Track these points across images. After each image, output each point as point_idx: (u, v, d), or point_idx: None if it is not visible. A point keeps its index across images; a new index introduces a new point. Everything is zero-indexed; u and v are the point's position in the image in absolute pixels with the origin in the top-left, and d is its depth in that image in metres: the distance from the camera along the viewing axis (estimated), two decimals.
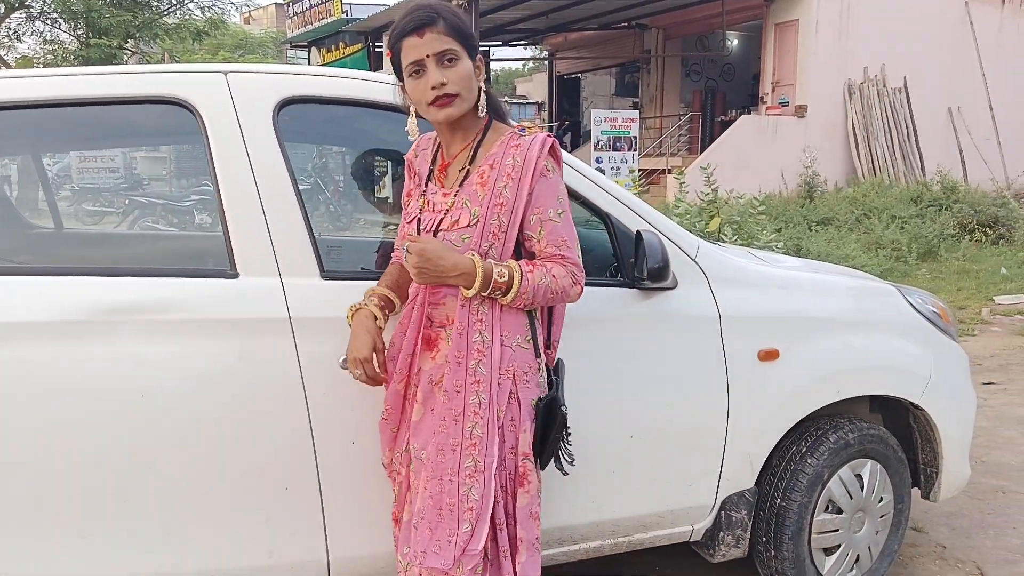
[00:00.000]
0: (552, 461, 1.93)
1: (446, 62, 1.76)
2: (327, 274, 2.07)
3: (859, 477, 2.66)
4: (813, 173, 14.27)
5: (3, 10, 15.44)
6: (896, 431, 2.85)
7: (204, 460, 1.99)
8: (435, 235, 1.83)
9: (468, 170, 1.84)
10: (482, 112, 1.84)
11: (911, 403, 2.73)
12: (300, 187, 2.09)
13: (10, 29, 16.33)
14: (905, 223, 11.03)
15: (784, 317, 2.53)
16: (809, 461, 2.55)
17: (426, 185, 1.92)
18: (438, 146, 1.94)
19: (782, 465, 2.57)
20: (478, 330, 1.80)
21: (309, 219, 2.09)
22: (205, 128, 2.05)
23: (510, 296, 1.77)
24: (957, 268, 9.79)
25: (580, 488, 2.29)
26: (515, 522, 1.84)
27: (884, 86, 14.96)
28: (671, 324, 2.36)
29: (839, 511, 2.63)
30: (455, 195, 1.83)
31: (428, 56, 1.75)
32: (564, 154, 2.17)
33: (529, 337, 1.86)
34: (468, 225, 1.80)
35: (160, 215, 9.02)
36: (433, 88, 1.75)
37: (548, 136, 1.85)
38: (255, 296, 2.00)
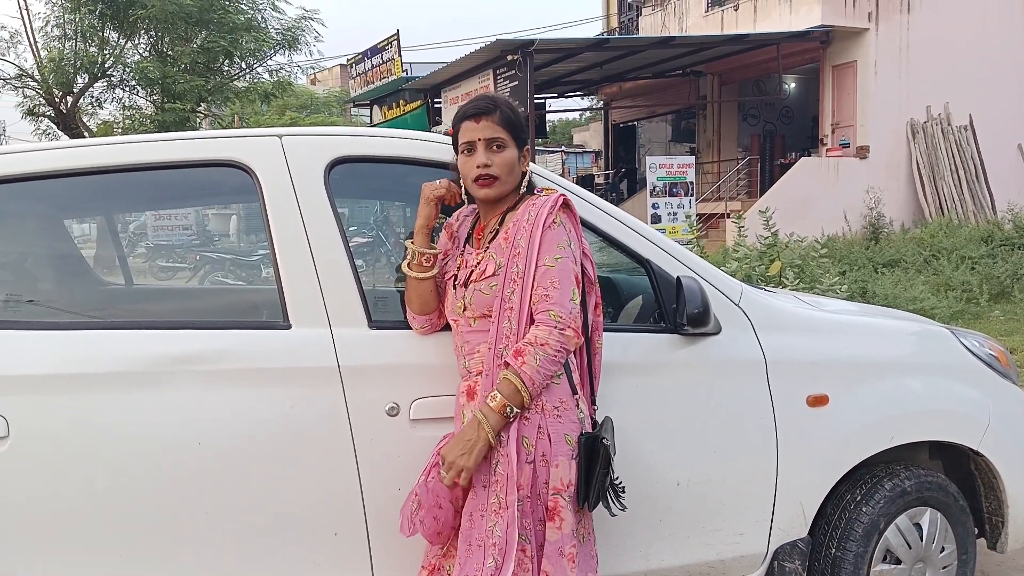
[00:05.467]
0: (601, 502, 1.96)
1: (495, 147, 1.99)
2: (375, 324, 2.15)
3: (918, 526, 2.58)
4: (878, 214, 14.01)
5: (87, 79, 16.41)
6: (960, 479, 2.77)
7: (257, 505, 2.06)
8: (466, 287, 1.99)
9: (497, 230, 2.01)
10: (522, 191, 2.05)
11: (971, 449, 2.65)
12: (363, 240, 2.20)
13: (92, 97, 17.31)
14: (976, 263, 10.69)
15: (832, 362, 2.50)
16: (864, 509, 2.49)
17: (464, 246, 2.10)
18: (477, 215, 2.11)
19: (836, 514, 2.51)
20: (500, 370, 1.90)
21: (358, 272, 2.18)
22: (261, 188, 2.17)
23: (525, 396, 1.85)
24: None
25: (627, 536, 2.29)
26: (543, 556, 1.89)
27: (949, 124, 14.66)
28: (715, 369, 2.36)
29: (898, 561, 2.55)
30: (484, 251, 2.01)
31: (480, 140, 1.99)
32: (604, 203, 2.36)
33: (560, 372, 1.92)
34: (493, 274, 1.95)
35: (228, 270, 9.36)
36: (478, 167, 1.97)
37: (561, 195, 2.00)
38: (306, 346, 2.09)
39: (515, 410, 1.86)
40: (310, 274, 2.13)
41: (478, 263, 2.01)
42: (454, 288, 2.05)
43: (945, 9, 14.64)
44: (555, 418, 1.90)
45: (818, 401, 2.44)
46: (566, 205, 1.99)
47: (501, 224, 2.03)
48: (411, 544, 2.13)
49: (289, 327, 2.11)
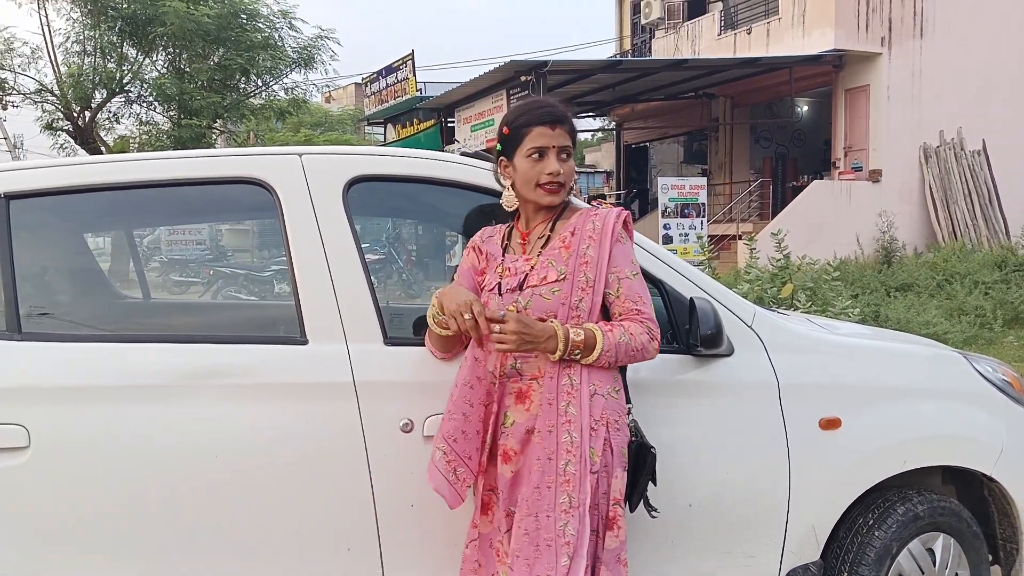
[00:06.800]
0: (641, 504, 2.05)
1: (564, 156, 2.04)
2: (390, 340, 2.17)
3: (931, 552, 2.57)
4: (890, 238, 13.98)
5: (105, 95, 16.61)
6: (973, 504, 2.76)
7: (272, 519, 2.08)
8: (521, 290, 2.00)
9: (548, 236, 2.05)
10: (567, 199, 2.11)
11: (984, 475, 2.64)
12: (375, 257, 2.23)
13: (110, 112, 17.52)
14: (989, 288, 10.64)
15: (845, 385, 2.50)
16: (876, 534, 2.48)
17: (503, 257, 2.10)
18: (508, 231, 2.14)
19: (848, 537, 2.51)
20: (567, 375, 1.95)
21: (374, 288, 2.21)
22: (281, 205, 2.21)
23: (594, 355, 1.92)
24: None
25: (639, 555, 2.29)
26: (601, 564, 1.93)
27: (962, 149, 14.64)
28: (727, 391, 2.37)
29: None
30: (537, 257, 2.03)
31: (553, 147, 2.02)
32: None
33: (619, 387, 2.01)
34: (556, 280, 1.98)
35: (242, 285, 9.44)
36: (550, 174, 2.01)
37: (623, 209, 2.06)
38: (322, 361, 2.12)
39: (579, 355, 1.92)
40: (327, 290, 2.16)
41: (532, 267, 2.02)
42: (500, 295, 2.03)
43: (958, 34, 14.68)
44: (615, 431, 1.98)
45: (831, 424, 2.43)
46: (626, 221, 2.06)
47: (552, 230, 2.06)
48: (423, 559, 2.15)
49: (306, 342, 2.13)
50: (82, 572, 2.02)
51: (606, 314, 2.04)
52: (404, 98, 18.87)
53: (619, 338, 1.94)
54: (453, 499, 2.03)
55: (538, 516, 1.90)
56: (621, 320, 2.00)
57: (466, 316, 1.92)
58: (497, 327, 1.89)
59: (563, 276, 1.97)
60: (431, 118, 18.72)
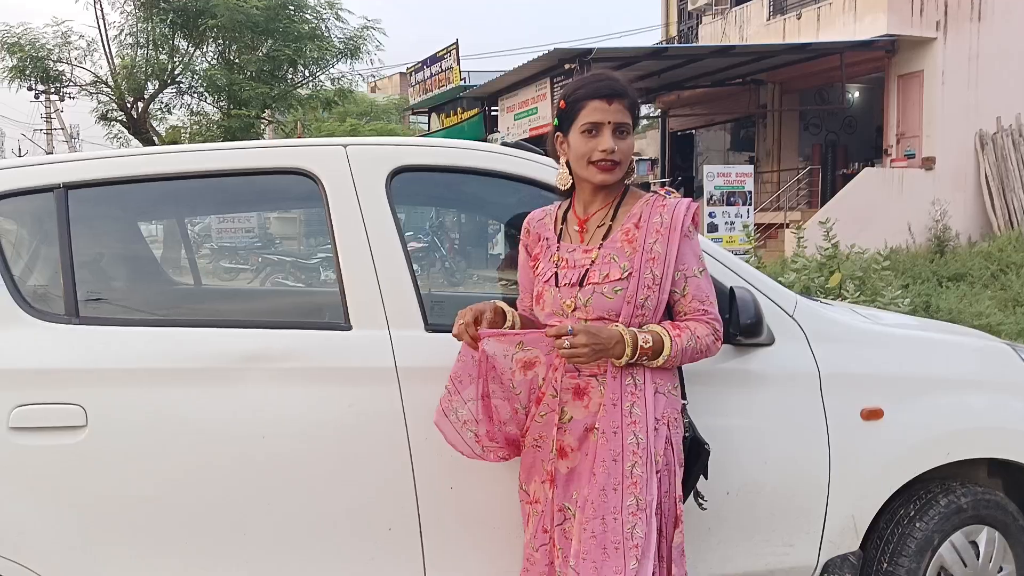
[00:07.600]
0: (692, 496, 2.07)
1: (620, 133, 1.95)
2: (431, 327, 2.22)
3: (974, 544, 2.54)
4: (943, 227, 13.64)
5: (157, 86, 16.99)
6: (1020, 497, 2.71)
7: (317, 500, 2.15)
8: (581, 286, 1.95)
9: (610, 226, 1.98)
10: (627, 180, 2.03)
11: None
12: (418, 245, 2.27)
13: (162, 103, 17.92)
14: None
15: (888, 376, 2.48)
16: (918, 525, 2.46)
17: (558, 243, 2.04)
18: (563, 212, 2.08)
19: (889, 528, 2.49)
20: (630, 374, 1.91)
21: (416, 276, 2.26)
22: (326, 195, 2.26)
23: (660, 360, 1.90)
24: None
25: None
26: (669, 561, 1.94)
27: (1020, 135, 14.20)
28: (767, 380, 2.36)
29: None
30: (598, 249, 1.97)
31: (608, 123, 1.93)
32: None
33: (677, 384, 2.00)
34: (620, 278, 1.92)
35: (289, 272, 9.62)
36: (603, 151, 1.92)
37: (692, 201, 1.99)
38: (365, 347, 2.17)
39: (645, 360, 1.89)
40: (371, 278, 2.21)
41: (593, 261, 1.95)
42: (556, 287, 1.97)
43: (1018, 18, 14.20)
44: (675, 429, 1.97)
45: (873, 415, 2.42)
46: (695, 214, 2.00)
47: (613, 219, 1.99)
48: (461, 539, 2.20)
49: (350, 328, 2.19)
50: (135, 548, 2.10)
51: (667, 310, 1.99)
52: (448, 87, 18.96)
53: (686, 343, 1.90)
54: (453, 439, 2.02)
55: (604, 519, 1.88)
56: (686, 319, 1.95)
57: (459, 322, 1.93)
58: (567, 341, 1.82)
59: (626, 273, 1.91)
60: (475, 107, 18.77)
